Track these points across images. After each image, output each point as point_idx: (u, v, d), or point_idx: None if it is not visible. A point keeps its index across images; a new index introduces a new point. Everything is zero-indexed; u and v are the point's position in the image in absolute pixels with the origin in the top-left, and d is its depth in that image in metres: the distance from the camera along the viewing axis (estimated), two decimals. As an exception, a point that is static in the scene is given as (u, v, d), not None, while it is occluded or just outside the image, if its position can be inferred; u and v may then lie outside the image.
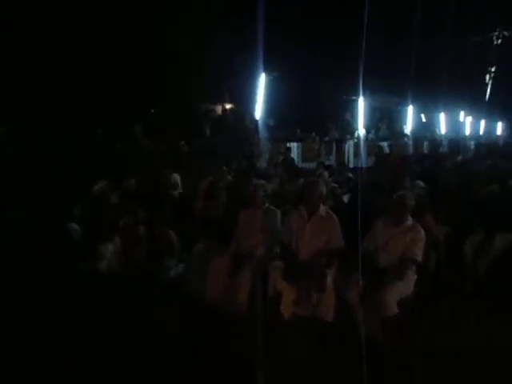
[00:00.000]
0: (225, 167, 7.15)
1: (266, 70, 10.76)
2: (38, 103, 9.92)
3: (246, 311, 3.92)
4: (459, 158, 7.74)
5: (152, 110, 13.09)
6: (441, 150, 10.12)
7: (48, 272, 4.62)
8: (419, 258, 3.59)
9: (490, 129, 18.59)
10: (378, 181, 6.71)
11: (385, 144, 9.38)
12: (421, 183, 6.08)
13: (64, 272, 4.68)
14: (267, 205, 4.39)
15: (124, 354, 3.43)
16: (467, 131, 17.60)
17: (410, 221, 3.74)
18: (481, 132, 18.07)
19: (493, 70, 14.94)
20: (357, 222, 4.43)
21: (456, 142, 10.55)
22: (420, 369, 3.17)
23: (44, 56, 10.10)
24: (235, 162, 8.44)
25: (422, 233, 3.67)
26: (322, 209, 3.96)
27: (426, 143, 13.10)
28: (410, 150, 11.39)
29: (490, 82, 15.30)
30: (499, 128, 19.16)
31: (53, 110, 9.86)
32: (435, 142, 11.44)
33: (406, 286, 3.55)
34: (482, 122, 18.33)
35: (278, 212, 4.31)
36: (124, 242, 5.26)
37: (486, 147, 9.44)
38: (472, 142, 12.78)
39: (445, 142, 13.31)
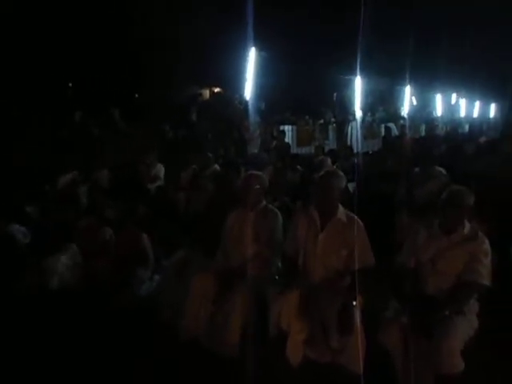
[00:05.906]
0: (210, 154, 5.88)
1: (255, 50, 9.48)
2: (12, 87, 8.68)
3: (238, 353, 2.70)
4: (483, 139, 6.50)
5: (136, 95, 12.07)
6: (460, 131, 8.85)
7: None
8: (485, 281, 2.36)
9: (484, 110, 17.38)
10: (389, 168, 5.59)
11: (392, 125, 8.12)
12: (442, 170, 4.85)
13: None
14: (264, 203, 3.13)
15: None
16: (462, 113, 16.39)
17: (467, 227, 2.50)
18: (475, 114, 16.88)
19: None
20: (372, 222, 3.21)
21: (478, 123, 9.28)
22: None
23: (24, 39, 8.81)
24: (222, 149, 7.17)
25: (487, 244, 2.43)
26: (341, 211, 2.71)
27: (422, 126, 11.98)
28: (422, 132, 10.16)
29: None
30: (492, 109, 17.94)
31: (28, 95, 8.64)
32: (452, 124, 10.21)
33: (469, 323, 2.34)
34: (476, 104, 17.12)
35: (279, 214, 3.06)
36: (84, 250, 4.03)
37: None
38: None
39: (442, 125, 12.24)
